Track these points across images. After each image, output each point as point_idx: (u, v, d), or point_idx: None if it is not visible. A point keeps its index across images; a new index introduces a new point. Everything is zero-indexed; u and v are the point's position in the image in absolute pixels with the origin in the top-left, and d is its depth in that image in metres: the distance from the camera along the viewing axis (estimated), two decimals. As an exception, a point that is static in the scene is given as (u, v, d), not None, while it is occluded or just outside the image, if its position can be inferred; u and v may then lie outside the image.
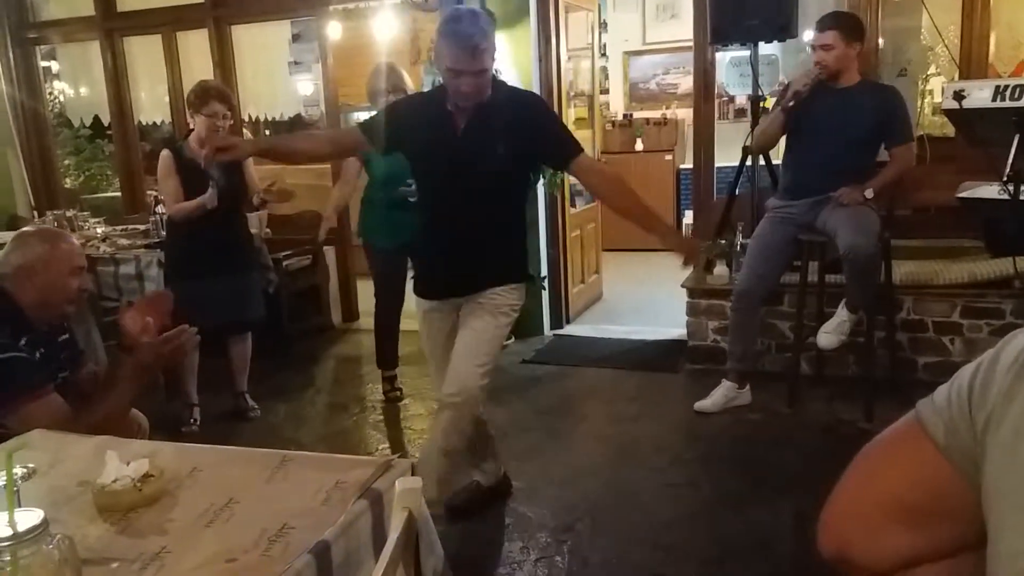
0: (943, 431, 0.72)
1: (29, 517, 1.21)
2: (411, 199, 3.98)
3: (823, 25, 3.62)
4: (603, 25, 8.06)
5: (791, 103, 3.59)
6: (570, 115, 5.65)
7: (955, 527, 0.73)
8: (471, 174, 2.57)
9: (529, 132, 2.56)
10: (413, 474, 1.51)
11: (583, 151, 2.63)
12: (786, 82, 3.95)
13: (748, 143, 4.15)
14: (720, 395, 3.85)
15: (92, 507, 1.48)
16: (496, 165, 2.55)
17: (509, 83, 2.74)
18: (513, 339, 5.16)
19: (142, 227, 4.96)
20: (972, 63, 4.39)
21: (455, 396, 2.65)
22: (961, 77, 4.33)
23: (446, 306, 2.77)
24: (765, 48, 4.30)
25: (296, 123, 7.76)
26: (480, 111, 2.54)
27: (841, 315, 3.65)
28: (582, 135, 6.07)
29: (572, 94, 5.69)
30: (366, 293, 4.49)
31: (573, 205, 5.72)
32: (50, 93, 7.06)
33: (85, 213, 5.50)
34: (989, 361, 0.71)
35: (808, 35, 4.72)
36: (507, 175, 2.62)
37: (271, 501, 1.47)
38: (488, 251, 2.68)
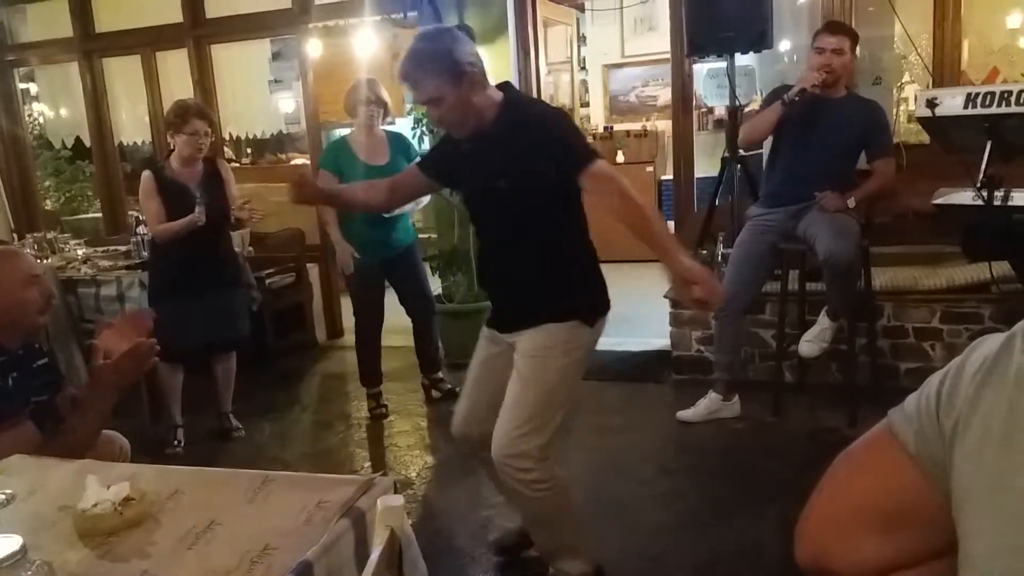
0: (913, 438, 0.73)
1: (7, 544, 1.21)
2: (386, 215, 4.00)
3: (834, 29, 3.63)
4: (582, 38, 8.12)
5: (796, 97, 3.55)
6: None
7: (928, 533, 0.74)
8: (485, 205, 2.42)
9: (532, 155, 2.23)
10: (396, 492, 1.51)
11: (590, 164, 2.20)
12: (763, 92, 3.98)
13: (727, 154, 4.18)
14: (703, 406, 3.86)
15: (73, 532, 1.47)
16: (503, 195, 2.30)
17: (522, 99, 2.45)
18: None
19: (123, 248, 4.94)
20: (945, 71, 4.45)
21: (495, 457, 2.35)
22: (934, 85, 4.38)
23: (497, 338, 2.49)
24: (741, 59, 4.34)
25: (283, 140, 7.77)
26: (482, 142, 2.30)
27: (823, 323, 3.68)
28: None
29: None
30: (351, 309, 4.49)
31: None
32: (29, 115, 7.03)
33: (66, 235, 5.47)
34: (956, 368, 0.72)
35: (784, 45, 4.79)
36: (520, 204, 2.30)
37: (253, 522, 1.46)
38: (519, 285, 2.39)
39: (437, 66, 2.19)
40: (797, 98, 3.55)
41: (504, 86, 2.40)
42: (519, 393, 2.31)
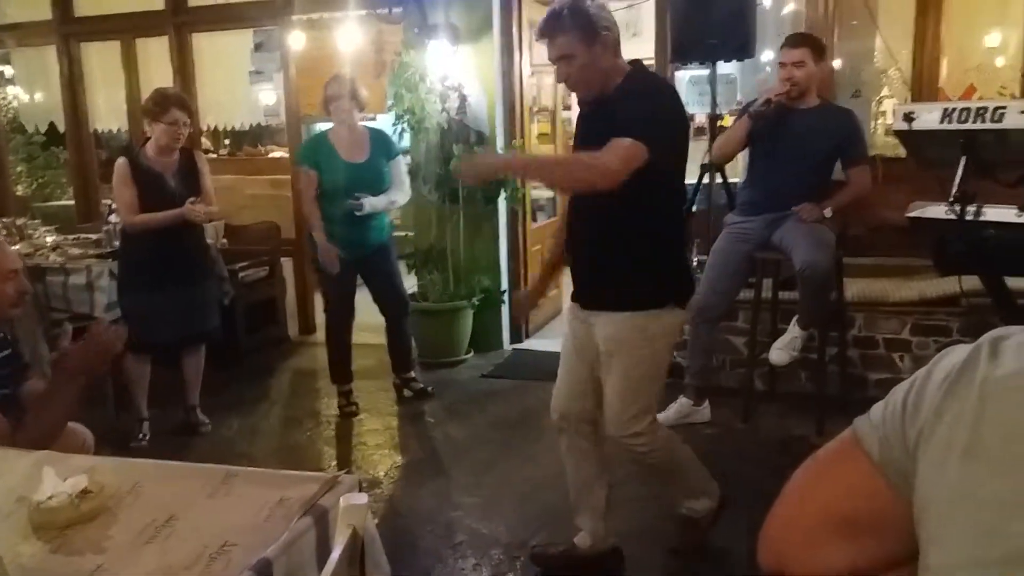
0: (878, 447, 0.73)
1: (-45, 535, 1.18)
2: (357, 213, 3.96)
3: (794, 42, 3.69)
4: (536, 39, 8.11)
5: (761, 107, 3.61)
6: (533, 130, 5.68)
7: (891, 541, 0.73)
8: None
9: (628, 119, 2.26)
10: (360, 490, 1.49)
11: (622, 139, 2.23)
12: (743, 102, 4.00)
13: (706, 160, 4.20)
14: (674, 410, 3.87)
15: (27, 525, 1.44)
16: None
17: (638, 78, 2.42)
18: (472, 353, 5.15)
19: (95, 236, 4.86)
20: (923, 86, 4.50)
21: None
22: (912, 99, 4.43)
23: (579, 313, 2.57)
24: (724, 67, 4.36)
25: (262, 132, 7.69)
26: (600, 107, 2.37)
27: (793, 332, 3.71)
28: (544, 151, 6.10)
29: (535, 109, 5.72)
30: (323, 306, 4.45)
31: (534, 219, 5.74)
32: (3, 98, 6.92)
33: (36, 221, 5.37)
34: (922, 378, 0.72)
35: (767, 55, 4.82)
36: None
37: (213, 517, 1.44)
38: (602, 266, 2.45)
39: (574, 23, 2.29)
40: (763, 108, 3.60)
41: (634, 62, 2.47)
42: (617, 385, 2.44)
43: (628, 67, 2.40)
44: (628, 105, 2.29)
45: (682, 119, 2.45)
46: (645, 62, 3.43)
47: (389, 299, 4.28)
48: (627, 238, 2.38)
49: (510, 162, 2.44)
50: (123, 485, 1.57)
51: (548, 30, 2.33)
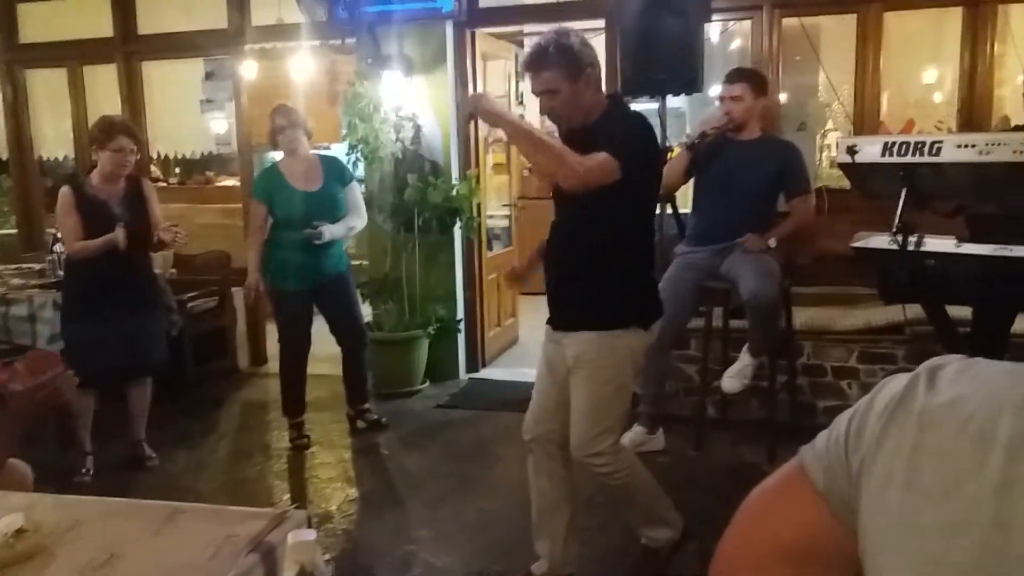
0: (823, 476, 0.74)
1: None
2: (316, 241, 3.93)
3: (733, 78, 3.84)
4: (520, 73, 8.21)
5: (696, 140, 3.73)
6: (488, 161, 5.71)
7: (837, 570, 0.74)
8: (560, 197, 2.51)
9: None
10: (310, 525, 1.46)
11: (601, 152, 2.32)
12: (692, 136, 4.09)
13: (657, 191, 4.26)
14: (628, 440, 3.86)
15: (-42, 566, 1.38)
16: (570, 193, 2.40)
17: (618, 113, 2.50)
18: (428, 383, 5.11)
19: (38, 266, 4.74)
20: (865, 120, 4.64)
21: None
22: (855, 133, 4.56)
23: (552, 335, 2.62)
24: (673, 101, 4.45)
25: (213, 161, 7.60)
26: (583, 134, 2.42)
27: (744, 360, 3.76)
28: (499, 181, 6.14)
29: (490, 140, 5.76)
30: (275, 336, 4.38)
31: (490, 248, 5.75)
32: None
33: (-25, 251, 5.23)
34: (864, 407, 0.73)
35: (715, 89, 4.93)
36: (584, 204, 2.39)
37: (156, 556, 1.40)
38: (571, 287, 2.53)
39: (559, 59, 2.38)
40: (697, 140, 3.73)
41: (612, 95, 2.62)
42: (582, 403, 2.49)
43: (607, 100, 2.52)
44: (607, 129, 2.40)
45: (655, 147, 2.55)
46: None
47: (347, 329, 4.23)
48: (595, 259, 2.48)
49: (511, 121, 2.48)
50: (62, 523, 1.51)
51: (534, 64, 2.43)
